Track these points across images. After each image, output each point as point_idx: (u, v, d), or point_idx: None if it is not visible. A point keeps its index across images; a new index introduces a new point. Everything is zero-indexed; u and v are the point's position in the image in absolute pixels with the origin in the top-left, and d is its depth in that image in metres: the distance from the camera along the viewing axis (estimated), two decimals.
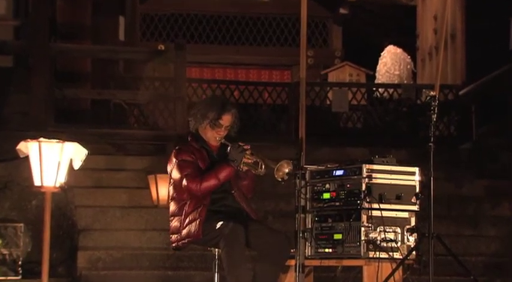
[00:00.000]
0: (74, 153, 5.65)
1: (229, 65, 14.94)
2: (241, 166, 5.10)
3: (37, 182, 5.62)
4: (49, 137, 5.64)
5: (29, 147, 5.59)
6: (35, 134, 6.05)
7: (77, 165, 5.70)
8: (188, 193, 5.08)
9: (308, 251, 5.31)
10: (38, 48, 8.67)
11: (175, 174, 5.12)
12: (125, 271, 7.07)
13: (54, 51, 8.99)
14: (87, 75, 10.28)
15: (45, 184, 5.59)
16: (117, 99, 10.53)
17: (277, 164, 4.97)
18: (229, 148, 5.12)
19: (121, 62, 11.84)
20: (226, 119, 5.19)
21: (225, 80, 13.73)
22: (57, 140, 5.60)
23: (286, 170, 4.99)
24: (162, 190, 7.81)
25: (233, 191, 5.21)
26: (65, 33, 10.17)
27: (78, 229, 7.56)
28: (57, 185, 5.62)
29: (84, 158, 5.69)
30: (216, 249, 5.15)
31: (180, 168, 5.09)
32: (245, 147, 5.11)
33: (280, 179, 5.00)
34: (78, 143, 5.71)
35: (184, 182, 5.05)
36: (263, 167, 5.08)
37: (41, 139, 5.59)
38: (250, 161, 5.11)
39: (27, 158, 5.64)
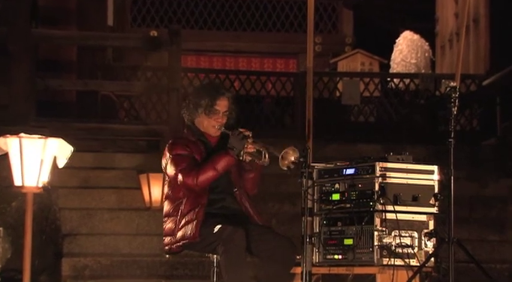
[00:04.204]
0: (58, 150, 5.66)
1: (229, 53, 14.95)
2: (244, 156, 5.10)
3: (17, 182, 5.63)
4: (30, 132, 5.65)
5: (8, 144, 5.60)
6: (15, 128, 6.05)
7: (61, 164, 5.70)
8: (185, 189, 5.09)
9: (316, 258, 5.32)
10: (18, 34, 8.67)
11: (170, 170, 5.13)
12: (114, 279, 7.09)
13: (36, 38, 8.99)
14: (72, 64, 10.29)
15: (26, 184, 5.60)
16: (106, 91, 10.54)
17: (281, 152, 4.97)
18: (230, 135, 5.12)
19: (109, 50, 11.85)
20: (222, 104, 5.20)
21: (224, 69, 13.76)
22: (40, 136, 5.61)
23: (292, 158, 4.99)
24: (155, 191, 7.82)
25: (235, 190, 5.21)
26: (48, 18, 10.17)
27: (63, 234, 7.57)
28: (40, 185, 5.62)
29: (69, 156, 5.70)
30: (214, 256, 5.16)
31: (174, 163, 5.11)
32: (246, 133, 5.10)
33: (285, 168, 5.00)
34: (63, 138, 5.72)
35: (180, 178, 5.06)
36: (267, 156, 5.08)
37: (22, 134, 5.60)
38: (252, 150, 5.10)
39: (6, 155, 5.64)
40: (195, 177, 5.04)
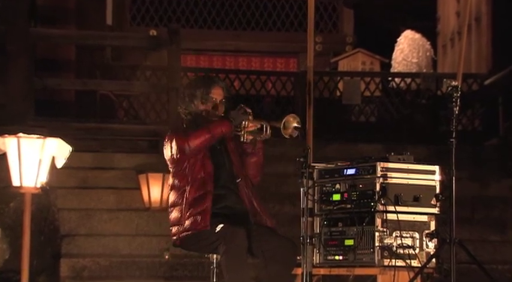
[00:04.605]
0: (57, 150, 5.65)
1: (229, 52, 14.95)
2: (245, 136, 5.09)
3: (16, 182, 5.63)
4: (29, 132, 5.65)
5: (6, 144, 5.60)
6: (13, 128, 6.05)
7: (60, 164, 5.70)
8: (191, 179, 5.05)
9: (316, 259, 5.32)
10: (17, 33, 8.67)
11: (169, 147, 5.10)
12: (113, 281, 7.09)
13: (34, 37, 8.99)
14: (70, 63, 10.29)
15: (24, 184, 5.60)
16: (105, 90, 10.55)
17: (282, 121, 4.97)
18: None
19: (108, 49, 11.86)
20: (217, 93, 5.20)
21: (224, 68, 13.75)
22: (38, 136, 5.61)
23: (295, 124, 4.99)
24: (155, 191, 7.82)
25: (238, 180, 5.19)
26: (47, 17, 10.17)
27: (61, 234, 7.57)
28: (38, 185, 5.62)
29: (68, 156, 5.70)
30: (215, 256, 5.15)
31: (170, 138, 5.09)
32: (247, 110, 5.11)
33: (288, 136, 5.00)
34: (62, 138, 5.72)
35: (174, 143, 5.04)
36: (268, 129, 5.07)
37: (20, 134, 5.59)
38: (253, 127, 5.10)
39: (4, 155, 5.64)
40: (187, 137, 5.01)
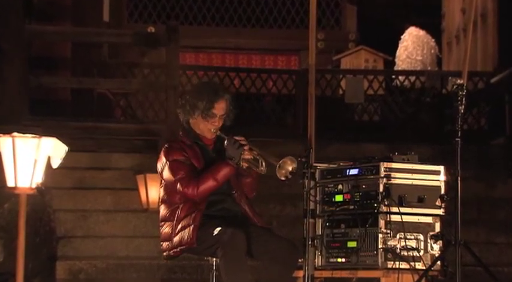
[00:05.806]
0: (53, 149, 5.65)
1: (229, 50, 14.94)
2: (241, 163, 5.10)
3: (10, 183, 5.62)
4: (24, 131, 5.65)
5: (0, 143, 5.60)
6: (7, 127, 6.06)
7: (55, 164, 5.70)
8: (183, 197, 5.10)
9: (318, 261, 5.32)
10: (11, 30, 8.68)
11: (167, 176, 5.13)
12: None
13: (29, 34, 9.00)
14: (66, 61, 10.29)
15: (19, 185, 5.60)
16: (101, 89, 10.54)
17: (279, 161, 4.96)
18: (225, 142, 5.11)
19: (106, 47, 11.85)
20: (220, 108, 5.19)
21: (223, 66, 13.74)
22: (33, 135, 5.61)
23: (290, 168, 4.97)
24: (153, 192, 7.83)
25: (234, 192, 5.21)
26: (43, 14, 10.17)
27: (57, 236, 7.58)
28: (33, 186, 5.62)
29: (63, 155, 5.70)
30: (214, 259, 5.16)
31: (172, 170, 5.10)
32: (242, 142, 5.10)
33: (283, 178, 4.99)
34: (57, 138, 5.71)
35: (179, 187, 5.07)
36: (264, 164, 5.07)
37: (15, 134, 5.59)
38: (249, 156, 5.10)
39: None
40: (195, 187, 5.04)
